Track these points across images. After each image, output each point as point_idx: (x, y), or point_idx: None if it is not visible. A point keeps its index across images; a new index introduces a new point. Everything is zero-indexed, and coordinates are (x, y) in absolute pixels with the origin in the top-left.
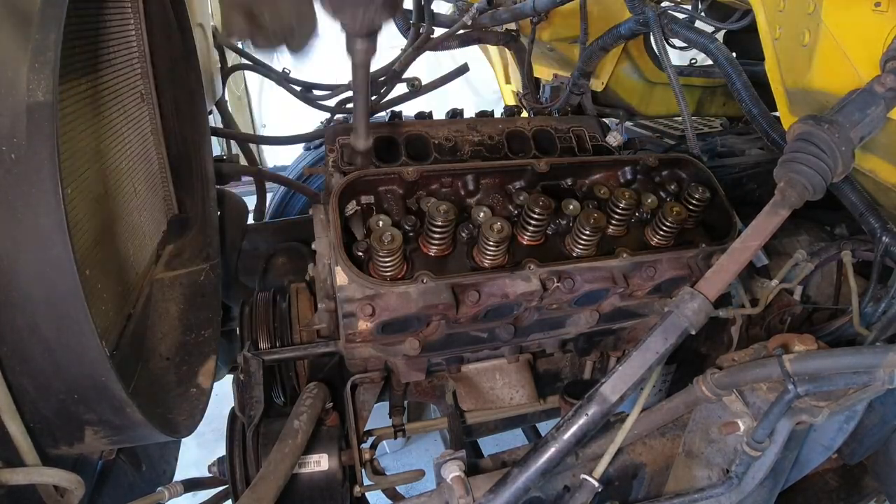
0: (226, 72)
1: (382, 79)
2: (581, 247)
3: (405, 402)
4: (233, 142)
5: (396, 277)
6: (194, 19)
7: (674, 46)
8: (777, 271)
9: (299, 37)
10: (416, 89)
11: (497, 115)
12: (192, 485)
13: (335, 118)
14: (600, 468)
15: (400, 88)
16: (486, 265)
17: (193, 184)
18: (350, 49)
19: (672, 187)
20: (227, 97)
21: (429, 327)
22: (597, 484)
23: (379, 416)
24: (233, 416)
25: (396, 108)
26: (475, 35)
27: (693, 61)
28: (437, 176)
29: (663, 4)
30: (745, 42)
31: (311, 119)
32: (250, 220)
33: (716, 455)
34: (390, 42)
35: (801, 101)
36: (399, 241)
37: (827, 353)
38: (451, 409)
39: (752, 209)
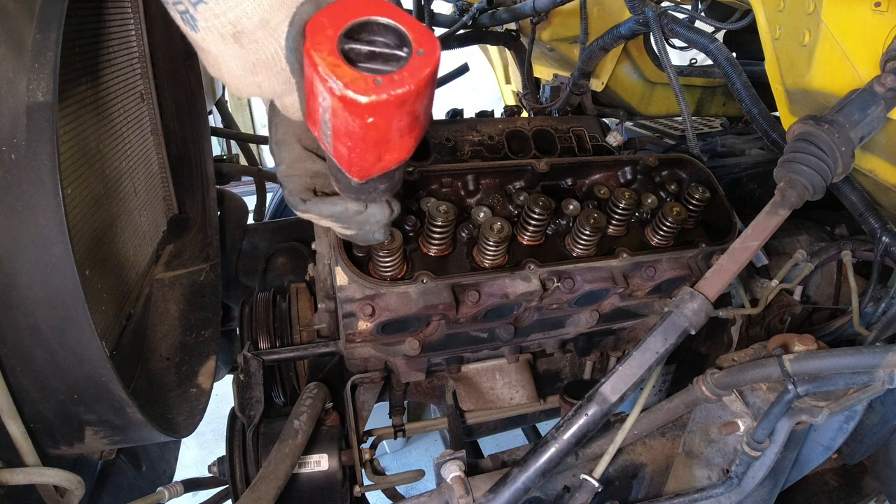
0: None
1: None
2: (581, 247)
3: (405, 402)
4: (233, 142)
5: (396, 277)
6: None
7: (674, 46)
8: (777, 271)
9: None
10: None
11: (497, 115)
12: (192, 485)
13: None
14: (600, 468)
15: None
16: (486, 265)
17: (193, 184)
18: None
19: (672, 187)
20: (227, 97)
21: (429, 327)
22: (597, 484)
23: (379, 416)
24: (233, 416)
25: None
26: (475, 35)
27: (693, 61)
28: (437, 176)
29: (663, 4)
30: (745, 42)
31: None
32: (250, 220)
33: (716, 455)
34: None
35: (801, 101)
36: (399, 241)
37: (827, 353)
38: (451, 409)
39: (752, 209)
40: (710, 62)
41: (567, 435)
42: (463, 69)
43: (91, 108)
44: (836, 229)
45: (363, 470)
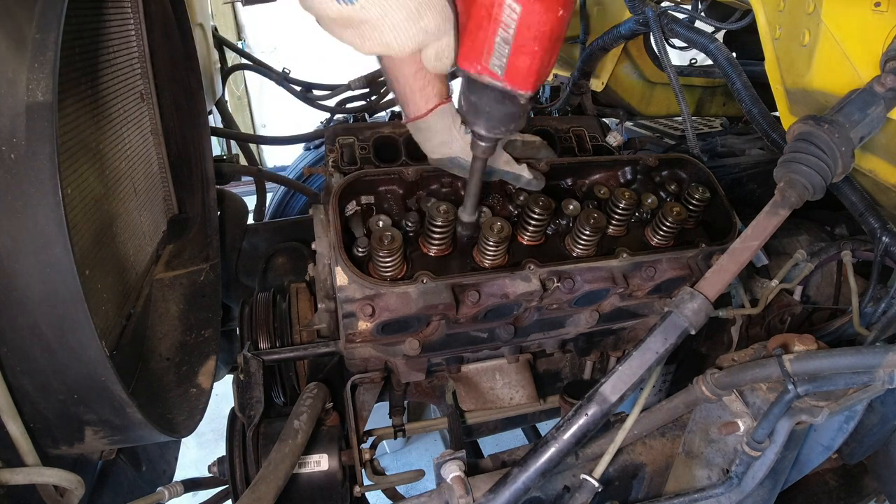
0: (226, 72)
1: (382, 79)
2: (581, 247)
3: (405, 402)
4: (233, 142)
5: (396, 277)
6: (194, 19)
7: (674, 46)
8: (777, 271)
9: None
10: None
11: None
12: (192, 485)
13: (335, 118)
14: (600, 468)
15: None
16: (486, 265)
17: (193, 184)
18: (474, 145)
19: (672, 187)
20: (227, 97)
21: (429, 327)
22: (597, 484)
23: (379, 416)
24: (233, 416)
25: (396, 108)
26: None
27: (693, 61)
28: (437, 176)
29: (663, 4)
30: (745, 42)
31: (311, 119)
32: (250, 220)
33: (716, 455)
34: None
35: (801, 101)
36: (399, 241)
37: (827, 353)
38: (451, 409)
39: (752, 209)
40: (710, 62)
41: (567, 435)
42: None
43: (91, 108)
44: (836, 229)
45: (363, 470)
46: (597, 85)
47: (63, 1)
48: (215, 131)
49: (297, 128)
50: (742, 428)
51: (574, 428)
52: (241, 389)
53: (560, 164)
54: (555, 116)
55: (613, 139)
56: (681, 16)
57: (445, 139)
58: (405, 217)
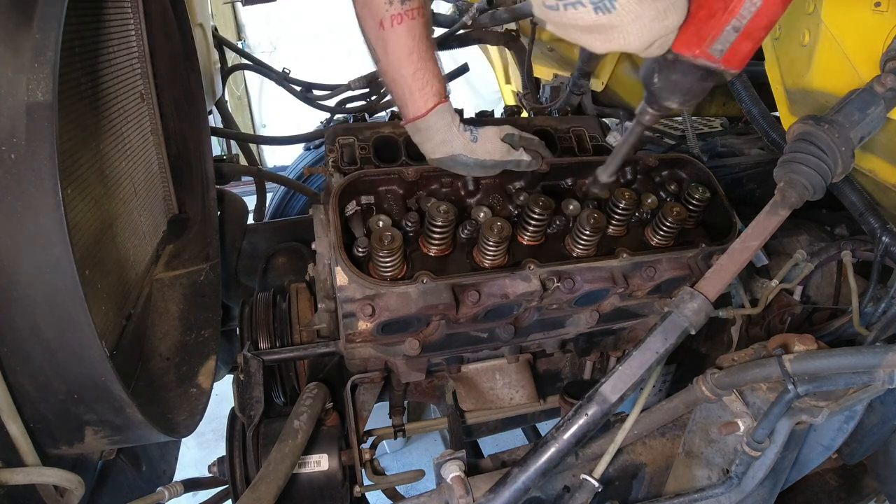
0: (226, 72)
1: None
2: (581, 247)
3: (405, 402)
4: (233, 142)
5: (396, 277)
6: (194, 19)
7: None
8: (777, 271)
9: None
10: None
11: (497, 115)
12: (192, 485)
13: (335, 118)
14: (600, 468)
15: None
16: (486, 265)
17: (193, 184)
18: (645, 113)
19: (672, 187)
20: (227, 97)
21: (429, 327)
22: (597, 484)
23: (379, 416)
24: (233, 416)
25: (396, 108)
26: (475, 35)
27: None
28: (437, 176)
29: None
30: None
31: (311, 119)
32: (250, 220)
33: (716, 455)
34: None
35: (800, 101)
36: (399, 241)
37: (827, 353)
38: (451, 409)
39: (752, 209)
40: None
41: (567, 435)
42: (463, 69)
43: (91, 108)
44: (836, 229)
45: (363, 470)
46: (597, 85)
47: (63, 1)
48: (215, 131)
49: (297, 128)
50: (742, 428)
51: (574, 428)
52: (241, 389)
53: (560, 164)
54: (555, 116)
55: (613, 139)
56: None
57: (446, 137)
58: (405, 217)
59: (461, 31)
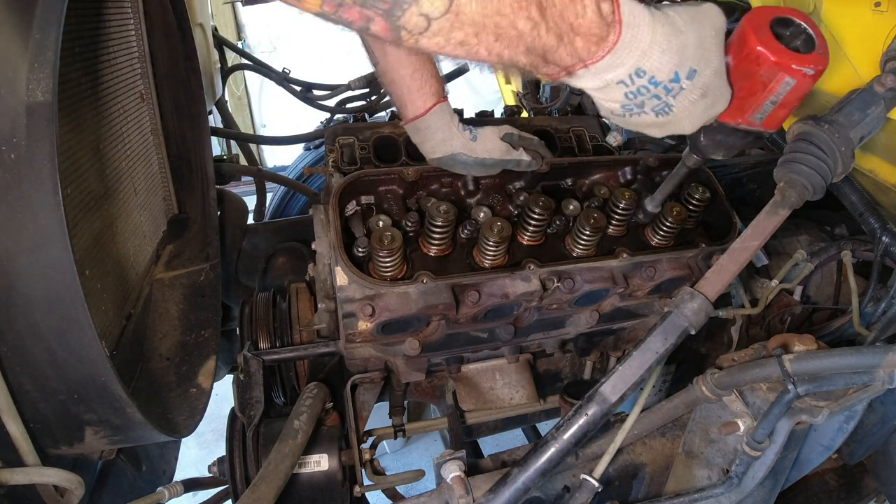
0: (226, 72)
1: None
2: (581, 247)
3: (405, 402)
4: (233, 142)
5: (396, 277)
6: (194, 19)
7: None
8: (777, 271)
9: None
10: None
11: (497, 115)
12: (192, 485)
13: (335, 118)
14: (600, 468)
15: None
16: (486, 265)
17: (193, 184)
18: (689, 158)
19: None
20: (227, 97)
21: (429, 327)
22: (597, 484)
23: (379, 416)
24: (233, 416)
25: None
26: None
27: None
28: (437, 176)
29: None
30: None
31: (311, 119)
32: (250, 220)
33: (716, 455)
34: None
35: None
36: (399, 241)
37: (827, 353)
38: (451, 409)
39: (752, 209)
40: None
41: (567, 435)
42: (463, 69)
43: (91, 109)
44: (836, 229)
45: (363, 470)
46: None
47: (63, 1)
48: (215, 131)
49: (297, 128)
50: (742, 428)
51: (574, 428)
52: (241, 389)
53: (560, 164)
54: (555, 116)
55: (613, 139)
56: None
57: (446, 136)
58: (405, 217)
59: None
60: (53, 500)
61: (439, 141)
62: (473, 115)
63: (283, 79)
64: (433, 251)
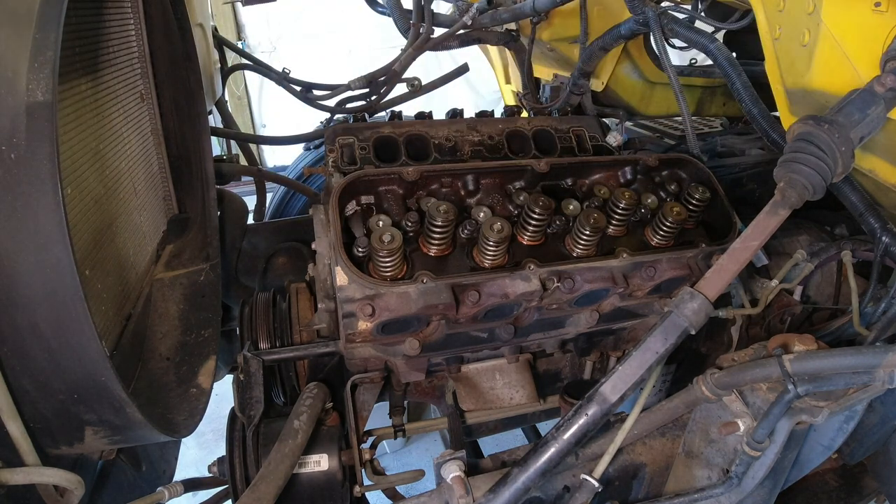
0: (226, 72)
1: (382, 79)
2: (581, 247)
3: (405, 402)
4: (233, 142)
5: (396, 277)
6: (194, 19)
7: (674, 46)
8: (777, 271)
9: None
10: (416, 89)
11: (497, 115)
12: (192, 485)
13: (335, 118)
14: (600, 468)
15: (400, 88)
16: (486, 265)
17: (193, 184)
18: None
19: (672, 187)
20: (227, 97)
21: (429, 327)
22: (597, 484)
23: (379, 416)
24: (233, 416)
25: (396, 108)
26: (475, 35)
27: (693, 61)
28: (437, 176)
29: (663, 4)
30: (745, 42)
31: (311, 119)
32: (250, 220)
33: (716, 455)
34: (390, 42)
35: (800, 101)
36: (399, 241)
37: (827, 353)
38: (451, 409)
39: (752, 209)
40: (710, 62)
41: (567, 435)
42: (463, 69)
43: (91, 108)
44: (836, 229)
45: (363, 470)
46: (597, 85)
47: (63, 1)
48: (215, 131)
49: (297, 128)
50: (742, 428)
51: (574, 428)
52: (241, 389)
53: (560, 164)
54: (555, 116)
55: (613, 139)
56: (681, 16)
57: None
58: (405, 217)
59: (461, 31)
60: (53, 500)
61: None
62: (473, 115)
63: (283, 79)
64: (433, 251)
